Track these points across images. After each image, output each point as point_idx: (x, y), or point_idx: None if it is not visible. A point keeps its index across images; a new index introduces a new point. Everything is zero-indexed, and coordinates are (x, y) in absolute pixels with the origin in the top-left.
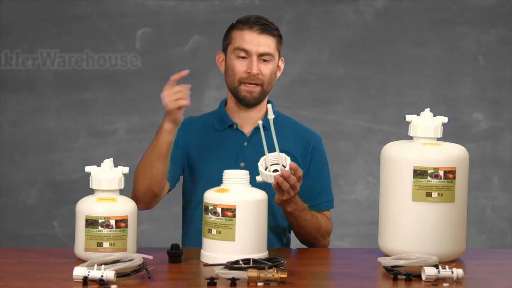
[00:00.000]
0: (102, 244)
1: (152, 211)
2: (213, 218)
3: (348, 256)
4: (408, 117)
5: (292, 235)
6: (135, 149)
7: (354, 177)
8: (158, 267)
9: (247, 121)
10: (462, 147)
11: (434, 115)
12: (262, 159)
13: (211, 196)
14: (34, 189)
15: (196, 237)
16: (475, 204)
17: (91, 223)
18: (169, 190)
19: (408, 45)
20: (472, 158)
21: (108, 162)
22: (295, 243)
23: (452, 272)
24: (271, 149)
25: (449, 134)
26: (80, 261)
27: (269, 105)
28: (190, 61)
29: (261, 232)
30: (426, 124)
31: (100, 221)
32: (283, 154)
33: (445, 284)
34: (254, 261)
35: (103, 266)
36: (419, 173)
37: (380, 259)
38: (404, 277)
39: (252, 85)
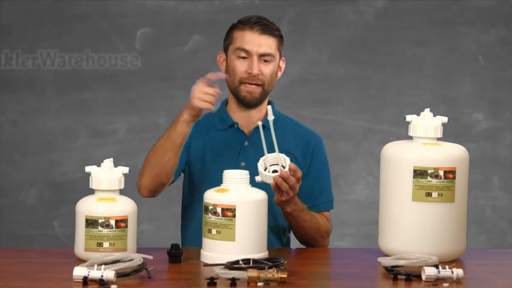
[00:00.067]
0: (102, 244)
1: (152, 211)
2: (213, 218)
3: (348, 256)
4: (408, 117)
5: (292, 235)
6: (135, 149)
7: (354, 177)
8: (158, 267)
9: (248, 121)
10: (462, 147)
11: (434, 115)
12: (261, 159)
13: (211, 196)
14: (34, 189)
15: (196, 237)
16: (475, 204)
17: (91, 223)
18: (172, 182)
19: (408, 45)
20: (472, 158)
21: (108, 162)
22: (295, 243)
23: (452, 272)
24: (271, 150)
25: (449, 134)
26: (80, 261)
27: (269, 107)
28: (190, 61)
29: (261, 232)
30: (426, 124)
31: (100, 221)
32: (283, 155)
33: (445, 284)
34: (254, 261)
35: (103, 266)
36: (419, 173)
37: (380, 259)
38: (404, 277)
39: (253, 86)
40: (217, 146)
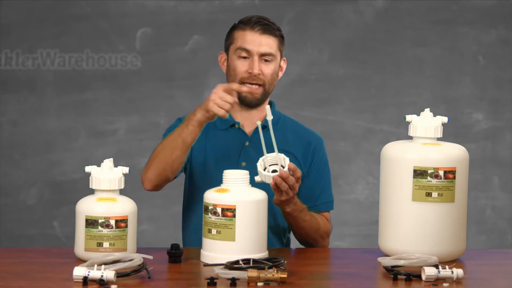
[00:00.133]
0: (102, 244)
1: (152, 211)
2: (213, 218)
3: (348, 256)
4: (408, 117)
5: (292, 236)
6: (135, 149)
7: (354, 177)
8: (158, 267)
9: (249, 121)
10: (462, 147)
11: (434, 115)
12: (261, 159)
13: (211, 196)
14: (34, 189)
15: (196, 237)
16: (475, 204)
17: (91, 223)
18: (175, 177)
19: (408, 45)
20: (472, 158)
21: (108, 162)
22: (295, 243)
23: (452, 272)
24: (271, 150)
25: (449, 134)
26: (80, 261)
27: (268, 106)
28: (190, 61)
29: (261, 232)
30: (426, 124)
31: (100, 221)
32: (282, 155)
33: (445, 284)
34: (254, 261)
35: (103, 266)
36: (419, 173)
37: (380, 259)
38: (404, 277)
39: (254, 86)
40: (218, 146)
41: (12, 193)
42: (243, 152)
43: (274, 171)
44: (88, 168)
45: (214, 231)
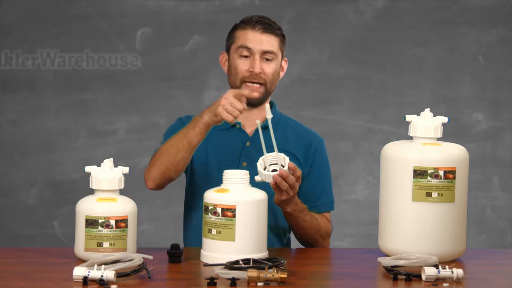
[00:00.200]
0: (102, 244)
1: (152, 211)
2: (213, 218)
3: (348, 256)
4: (408, 117)
5: (292, 236)
6: (135, 149)
7: (354, 177)
8: (158, 267)
9: (250, 120)
10: (462, 147)
11: (434, 115)
12: (261, 159)
13: (211, 196)
14: (34, 189)
15: (197, 237)
16: (475, 204)
17: (91, 223)
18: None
19: (408, 45)
20: (472, 158)
21: (108, 162)
22: (295, 243)
23: (452, 272)
24: (271, 149)
25: (449, 134)
26: (80, 261)
27: (267, 105)
28: (190, 61)
29: (261, 232)
30: (426, 124)
31: (100, 221)
32: (282, 154)
33: (445, 284)
34: (254, 261)
35: (103, 266)
36: (419, 173)
37: (380, 259)
38: (404, 277)
39: (256, 85)
40: (219, 146)
41: (12, 193)
42: (244, 152)
43: (274, 170)
44: (88, 168)
45: (214, 231)
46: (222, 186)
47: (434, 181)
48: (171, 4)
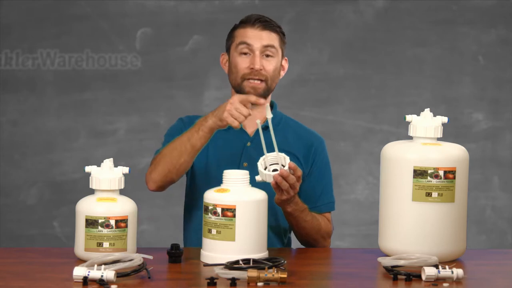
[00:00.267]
0: (102, 244)
1: (152, 211)
2: (213, 218)
3: (348, 256)
4: (408, 117)
5: (293, 236)
6: (135, 149)
7: (354, 177)
8: (158, 267)
9: (251, 121)
10: (462, 147)
11: (434, 115)
12: (261, 158)
13: (211, 196)
14: (34, 189)
15: (197, 237)
16: (475, 204)
17: (91, 223)
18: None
19: (408, 45)
20: (472, 158)
21: (108, 162)
22: (296, 243)
23: (452, 272)
24: (271, 149)
25: (449, 134)
26: (80, 261)
27: (267, 105)
28: (190, 61)
29: (261, 232)
30: (426, 124)
31: (100, 221)
32: (282, 154)
33: (445, 284)
34: (254, 261)
35: (103, 266)
36: (419, 173)
37: (380, 259)
38: (404, 277)
39: (256, 81)
40: (220, 146)
41: (12, 193)
42: (244, 152)
43: (274, 170)
44: (88, 168)
45: (214, 231)
46: (222, 186)
47: (434, 181)
48: (171, 4)
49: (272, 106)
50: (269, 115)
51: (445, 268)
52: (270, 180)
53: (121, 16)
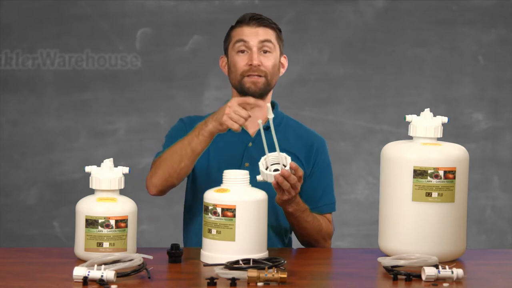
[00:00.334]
0: (102, 244)
1: (152, 211)
2: (213, 218)
3: (348, 256)
4: (408, 117)
5: (294, 236)
6: (135, 149)
7: (354, 177)
8: (158, 267)
9: (252, 121)
10: (462, 147)
11: (434, 115)
12: (262, 158)
13: (211, 196)
14: (34, 189)
15: (197, 239)
16: (475, 204)
17: (91, 223)
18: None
19: (408, 45)
20: (472, 158)
21: (108, 162)
22: (296, 244)
23: (452, 272)
24: (273, 149)
25: (449, 134)
26: (80, 261)
27: (268, 104)
28: (190, 61)
29: (261, 232)
30: (426, 124)
31: (100, 221)
32: (284, 154)
33: (445, 284)
34: (254, 261)
35: (103, 266)
36: (419, 173)
37: (380, 259)
38: (404, 277)
39: (255, 76)
40: (221, 147)
41: (12, 193)
42: (246, 153)
43: (276, 170)
44: (88, 168)
45: (214, 231)
46: (222, 186)
47: (434, 181)
48: (171, 4)
49: (273, 106)
50: (271, 115)
51: (445, 268)
52: (271, 180)
53: (121, 16)
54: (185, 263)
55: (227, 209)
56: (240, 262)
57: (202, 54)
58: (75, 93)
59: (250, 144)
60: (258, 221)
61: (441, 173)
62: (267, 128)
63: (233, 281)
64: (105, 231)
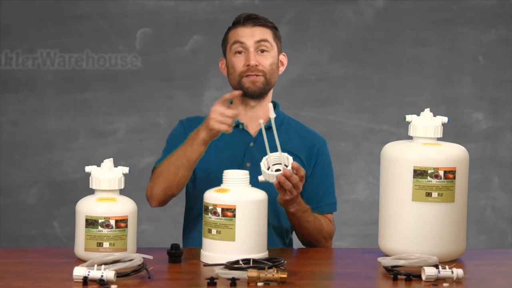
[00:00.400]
0: (102, 244)
1: (152, 211)
2: (213, 218)
3: (348, 256)
4: (408, 117)
5: (295, 236)
6: (135, 149)
7: (354, 177)
8: (158, 267)
9: (254, 121)
10: (462, 147)
11: (434, 115)
12: (264, 158)
13: (211, 196)
14: (34, 189)
15: (197, 240)
16: (475, 204)
17: (91, 223)
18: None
19: (408, 45)
20: (472, 158)
21: (108, 162)
22: (297, 244)
23: (452, 272)
24: (274, 149)
25: (449, 134)
26: (80, 261)
27: (270, 104)
28: (190, 61)
29: (261, 232)
30: (426, 124)
31: (100, 221)
32: (285, 154)
33: (445, 284)
34: (254, 261)
35: (103, 266)
36: (419, 173)
37: (380, 259)
38: (404, 277)
39: (254, 76)
40: (222, 147)
41: (12, 193)
42: (247, 153)
43: (277, 170)
44: (88, 168)
45: (214, 231)
46: (222, 186)
47: (434, 181)
48: (171, 4)
49: (274, 106)
50: (272, 115)
51: (445, 268)
52: (273, 180)
53: (121, 16)
54: (185, 263)
55: (227, 209)
56: (240, 262)
57: (202, 54)
58: (75, 93)
59: (252, 144)
60: (258, 221)
61: (441, 173)
62: (268, 128)
63: (233, 281)
64: (105, 231)
